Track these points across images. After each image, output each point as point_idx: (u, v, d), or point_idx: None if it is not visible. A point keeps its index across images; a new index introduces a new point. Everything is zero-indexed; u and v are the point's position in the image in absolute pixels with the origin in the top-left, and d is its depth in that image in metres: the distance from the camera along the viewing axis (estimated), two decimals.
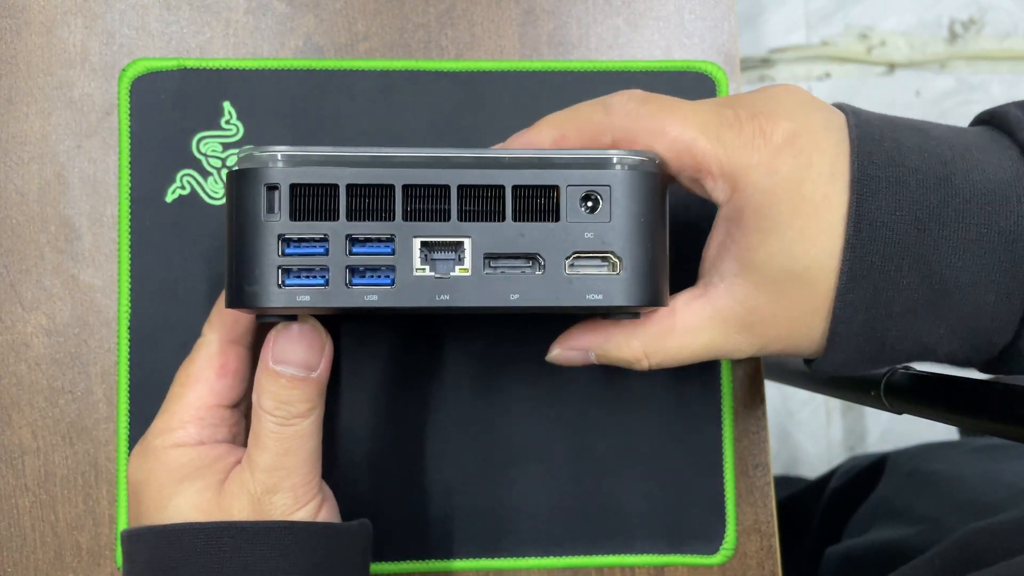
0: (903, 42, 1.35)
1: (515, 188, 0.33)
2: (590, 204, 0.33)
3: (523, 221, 0.33)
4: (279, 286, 0.33)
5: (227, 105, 0.45)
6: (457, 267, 0.33)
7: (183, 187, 0.45)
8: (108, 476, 0.44)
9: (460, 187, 0.33)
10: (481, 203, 0.33)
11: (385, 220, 0.33)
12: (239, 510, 0.36)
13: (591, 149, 0.35)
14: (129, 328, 0.44)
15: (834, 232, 0.33)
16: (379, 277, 0.33)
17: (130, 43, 0.45)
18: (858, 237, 0.33)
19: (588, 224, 0.33)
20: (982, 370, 0.37)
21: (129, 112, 0.45)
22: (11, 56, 0.45)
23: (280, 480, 0.36)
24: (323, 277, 0.33)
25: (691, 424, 0.46)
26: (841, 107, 0.36)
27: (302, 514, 0.36)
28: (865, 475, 0.74)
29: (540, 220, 0.33)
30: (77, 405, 0.44)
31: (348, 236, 0.33)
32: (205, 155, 0.45)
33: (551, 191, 0.33)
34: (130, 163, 0.44)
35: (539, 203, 0.33)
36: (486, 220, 0.33)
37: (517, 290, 0.33)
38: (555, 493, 0.45)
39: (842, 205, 0.33)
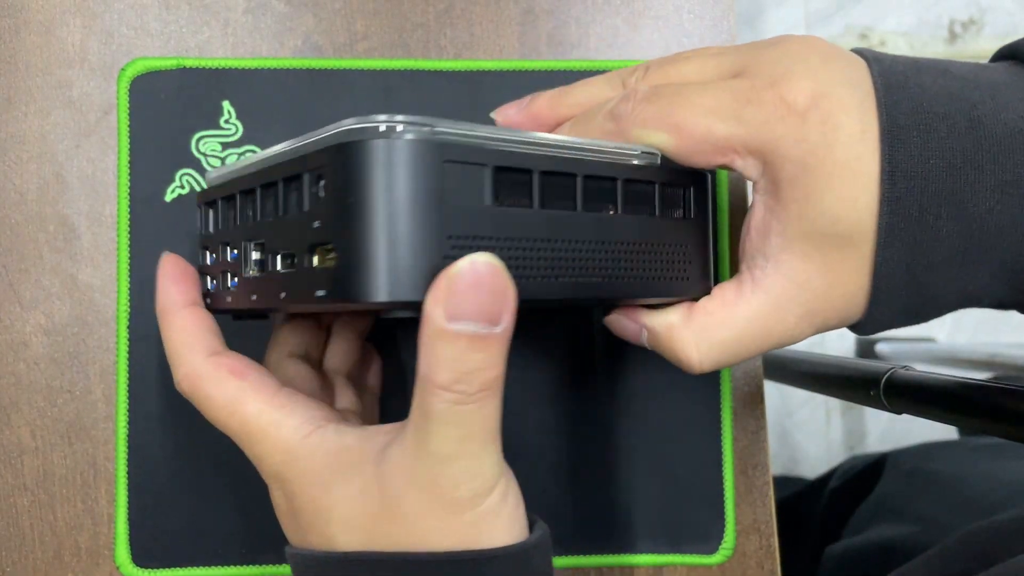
0: (903, 42, 1.34)
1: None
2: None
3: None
4: None
5: (226, 104, 0.45)
6: None
7: (182, 186, 0.44)
8: (107, 476, 0.44)
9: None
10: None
11: None
12: (420, 516, 0.31)
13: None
14: (128, 328, 0.44)
15: (871, 188, 0.32)
16: None
17: (129, 43, 0.45)
18: (893, 190, 0.32)
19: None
20: None
21: (128, 112, 0.45)
22: (10, 56, 0.45)
23: (461, 473, 0.31)
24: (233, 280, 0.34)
25: (691, 424, 0.46)
26: (861, 53, 0.34)
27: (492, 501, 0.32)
28: (865, 474, 0.74)
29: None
30: (76, 405, 0.44)
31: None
32: (204, 154, 0.45)
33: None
34: (129, 163, 0.44)
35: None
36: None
37: None
38: (555, 493, 0.45)
39: (875, 160, 0.32)
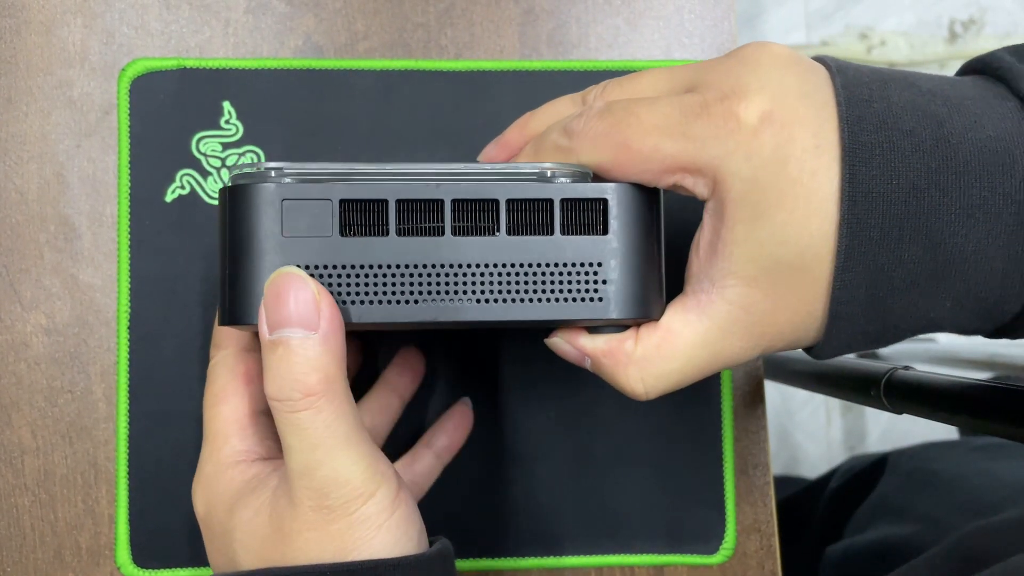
0: (903, 42, 1.35)
1: (455, 202, 0.33)
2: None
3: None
4: None
5: (227, 105, 0.45)
6: None
7: (183, 187, 0.45)
8: (108, 476, 0.44)
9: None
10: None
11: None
12: (299, 531, 0.32)
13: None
14: (129, 328, 0.44)
15: (827, 210, 0.31)
16: None
17: (130, 42, 0.45)
18: (853, 212, 0.30)
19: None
20: (990, 337, 0.35)
21: (129, 112, 0.45)
22: (11, 55, 0.45)
23: (323, 483, 0.32)
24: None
25: (691, 424, 0.46)
26: (823, 61, 0.33)
27: (371, 508, 0.33)
28: (865, 475, 0.75)
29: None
30: (77, 404, 0.44)
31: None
32: (205, 155, 0.45)
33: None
34: (130, 163, 0.44)
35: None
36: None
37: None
38: (555, 493, 0.45)
39: (832, 179, 0.31)
